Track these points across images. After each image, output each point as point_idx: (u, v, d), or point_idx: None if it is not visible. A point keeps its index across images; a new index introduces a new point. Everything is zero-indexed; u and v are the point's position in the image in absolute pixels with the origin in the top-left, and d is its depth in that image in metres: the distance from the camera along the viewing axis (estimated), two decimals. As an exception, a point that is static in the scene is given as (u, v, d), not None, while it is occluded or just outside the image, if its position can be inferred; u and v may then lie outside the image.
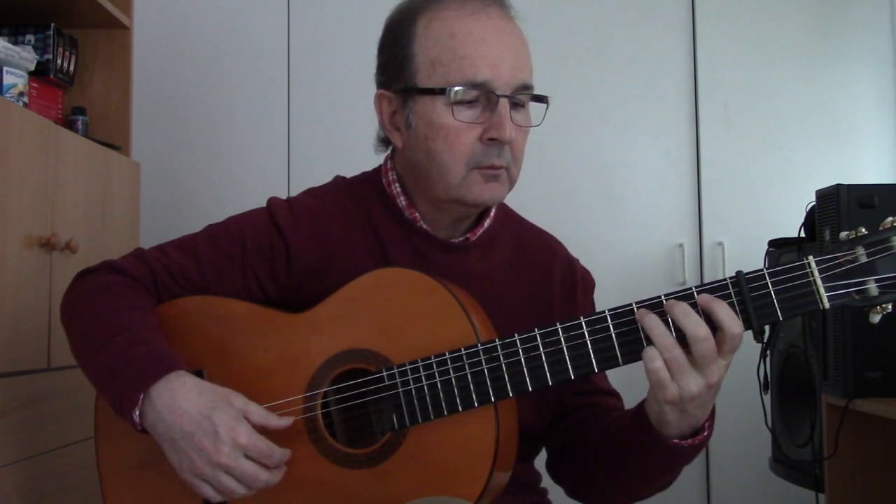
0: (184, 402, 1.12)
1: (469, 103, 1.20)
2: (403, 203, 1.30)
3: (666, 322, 1.06)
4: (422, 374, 1.14)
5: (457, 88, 1.18)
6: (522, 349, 1.11)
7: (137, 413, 1.13)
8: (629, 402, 1.28)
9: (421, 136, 1.23)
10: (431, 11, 1.23)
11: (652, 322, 1.06)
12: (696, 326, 1.04)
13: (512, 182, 1.25)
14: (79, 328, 1.25)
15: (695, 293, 1.06)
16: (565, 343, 1.10)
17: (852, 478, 2.08)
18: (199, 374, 1.23)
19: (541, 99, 1.24)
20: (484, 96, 1.19)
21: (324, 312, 1.22)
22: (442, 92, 1.19)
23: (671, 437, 1.11)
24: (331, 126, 2.93)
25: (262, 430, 1.14)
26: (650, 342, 1.06)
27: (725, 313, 1.04)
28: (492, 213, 1.33)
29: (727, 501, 2.88)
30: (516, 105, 1.21)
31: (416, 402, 1.14)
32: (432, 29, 1.22)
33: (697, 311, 1.05)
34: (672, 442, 1.11)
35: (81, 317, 1.25)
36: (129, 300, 1.24)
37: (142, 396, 1.13)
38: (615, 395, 1.37)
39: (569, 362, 1.10)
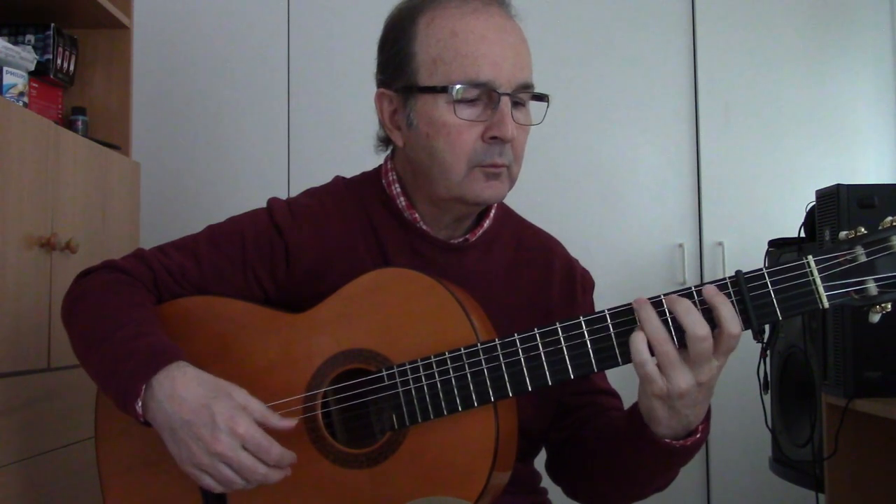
0: (184, 391, 1.11)
1: (470, 102, 1.20)
2: (403, 204, 1.30)
3: (661, 315, 1.06)
4: (421, 373, 1.14)
5: (458, 87, 1.18)
6: (522, 349, 1.11)
7: (140, 404, 1.13)
8: (628, 403, 1.28)
9: (422, 135, 1.23)
10: (432, 10, 1.23)
11: (647, 314, 1.06)
12: (696, 325, 1.04)
13: (512, 180, 1.25)
14: (80, 326, 1.25)
15: (694, 292, 1.06)
16: (565, 343, 1.10)
17: (852, 478, 2.08)
18: (198, 373, 1.23)
19: (541, 98, 1.24)
20: (485, 95, 1.19)
21: (323, 312, 1.22)
22: (444, 90, 1.19)
23: (664, 437, 1.11)
24: (331, 126, 2.93)
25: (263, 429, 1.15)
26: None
27: (728, 312, 1.04)
28: (491, 214, 1.33)
29: (727, 501, 2.88)
30: (517, 104, 1.22)
31: (415, 401, 1.14)
32: (433, 27, 1.22)
33: (698, 308, 1.05)
34: (664, 442, 1.11)
35: (83, 315, 1.25)
36: (130, 298, 1.24)
37: (144, 387, 1.13)
38: (614, 395, 1.37)
39: (568, 362, 1.10)
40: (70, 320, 1.28)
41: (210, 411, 1.10)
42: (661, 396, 1.07)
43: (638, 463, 1.16)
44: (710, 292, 1.05)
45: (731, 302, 1.05)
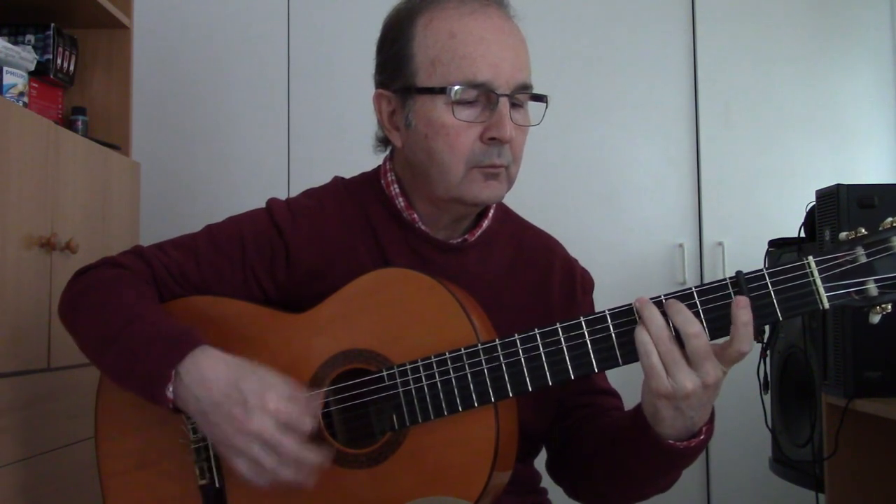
0: (211, 373, 1.12)
1: (469, 103, 1.20)
2: (402, 204, 1.30)
3: (664, 314, 1.06)
4: (422, 374, 1.14)
5: (457, 88, 1.18)
6: (522, 349, 1.11)
7: (171, 389, 1.13)
8: (629, 403, 1.28)
9: (421, 136, 1.23)
10: (431, 11, 1.23)
11: (651, 314, 1.06)
12: (686, 324, 1.04)
13: (511, 181, 1.25)
14: (88, 322, 1.25)
15: (695, 293, 1.07)
16: (565, 343, 1.10)
17: (852, 478, 2.08)
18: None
19: (540, 98, 1.24)
20: (484, 96, 1.19)
21: (324, 313, 1.22)
22: (442, 91, 1.19)
23: (667, 438, 1.11)
24: (331, 126, 2.93)
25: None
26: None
27: (746, 332, 1.04)
28: (490, 214, 1.33)
29: (727, 501, 2.88)
30: (516, 104, 1.21)
31: (415, 402, 1.14)
32: (432, 28, 1.22)
33: (697, 311, 1.05)
34: (667, 443, 1.11)
35: (89, 311, 1.25)
36: (136, 290, 1.24)
37: (173, 373, 1.13)
38: (615, 396, 1.37)
39: (569, 362, 1.10)
40: (74, 317, 1.27)
41: (240, 391, 1.10)
42: (667, 396, 1.06)
43: (640, 463, 1.16)
44: (741, 304, 1.04)
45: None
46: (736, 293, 1.05)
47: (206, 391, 1.11)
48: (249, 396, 1.10)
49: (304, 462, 1.11)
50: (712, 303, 1.06)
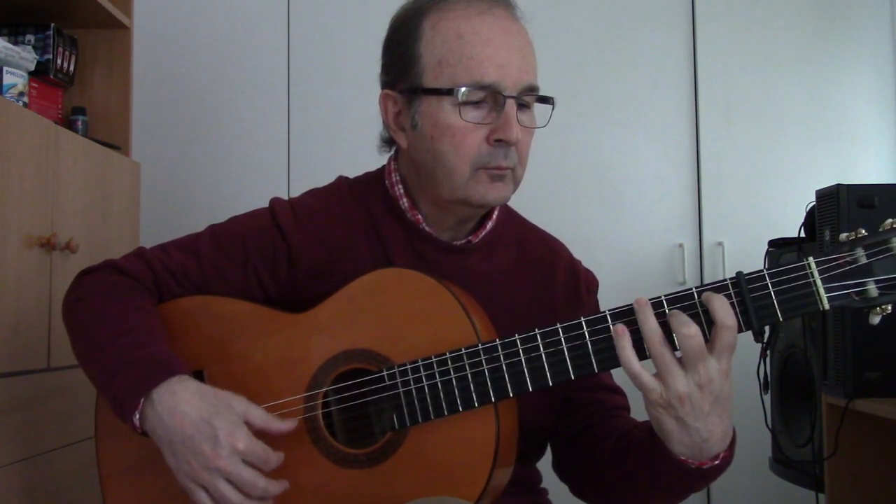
0: (185, 405, 1.11)
1: (476, 104, 1.19)
2: (406, 205, 1.30)
3: (661, 317, 1.06)
4: (422, 374, 1.14)
5: (464, 89, 1.18)
6: (523, 349, 1.11)
7: (137, 416, 1.13)
8: (633, 402, 1.28)
9: (427, 137, 1.23)
10: (438, 12, 1.22)
11: (645, 316, 1.06)
12: (682, 325, 1.03)
13: (517, 183, 1.25)
14: (81, 328, 1.25)
15: (695, 293, 1.06)
16: (566, 343, 1.10)
17: (852, 478, 2.08)
18: (199, 374, 1.24)
19: (546, 100, 1.24)
20: (491, 97, 1.19)
21: (325, 312, 1.22)
22: (449, 92, 1.19)
23: (679, 454, 1.09)
24: (331, 126, 2.93)
25: (264, 434, 1.14)
26: (640, 339, 1.06)
27: (719, 303, 1.03)
28: (494, 215, 1.33)
29: (727, 501, 2.88)
30: (522, 106, 1.21)
31: (416, 402, 1.14)
32: (439, 29, 1.21)
33: (696, 312, 1.05)
34: (679, 459, 1.09)
35: (84, 317, 1.25)
36: (131, 301, 1.24)
37: (143, 400, 1.13)
38: (620, 392, 1.36)
39: (569, 363, 1.10)
40: (70, 321, 1.28)
41: (212, 427, 1.10)
42: (662, 405, 1.06)
43: (653, 477, 1.15)
44: (706, 296, 1.05)
45: (732, 303, 1.05)
46: (736, 294, 1.05)
47: (177, 422, 1.11)
48: (220, 433, 1.10)
49: (269, 497, 1.13)
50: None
